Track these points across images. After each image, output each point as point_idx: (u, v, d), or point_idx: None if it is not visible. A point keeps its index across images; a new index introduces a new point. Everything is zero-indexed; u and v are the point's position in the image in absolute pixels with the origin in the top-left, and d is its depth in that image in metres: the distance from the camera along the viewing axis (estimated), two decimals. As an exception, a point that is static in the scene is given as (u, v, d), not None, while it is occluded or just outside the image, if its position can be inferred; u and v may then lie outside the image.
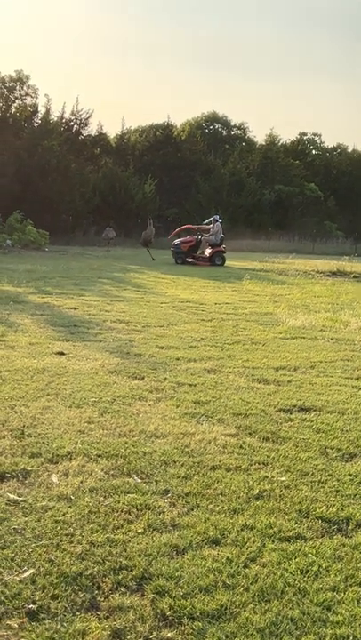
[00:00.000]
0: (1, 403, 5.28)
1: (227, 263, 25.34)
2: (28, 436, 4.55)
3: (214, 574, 2.93)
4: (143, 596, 2.77)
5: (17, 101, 43.45)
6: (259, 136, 75.50)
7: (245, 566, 3.03)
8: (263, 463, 4.31)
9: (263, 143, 59.51)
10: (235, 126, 66.73)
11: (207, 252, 25.48)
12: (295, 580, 2.94)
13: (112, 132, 51.57)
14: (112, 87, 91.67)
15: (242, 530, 3.35)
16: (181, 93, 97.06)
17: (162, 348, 7.84)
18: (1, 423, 4.77)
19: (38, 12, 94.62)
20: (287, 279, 19.48)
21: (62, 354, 7.22)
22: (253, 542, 3.23)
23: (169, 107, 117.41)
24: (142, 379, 6.33)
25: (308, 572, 3.01)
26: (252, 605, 2.74)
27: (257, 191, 50.13)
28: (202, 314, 11.04)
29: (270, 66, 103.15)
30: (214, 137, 61.92)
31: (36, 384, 5.91)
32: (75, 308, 10.89)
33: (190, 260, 25.25)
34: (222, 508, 3.59)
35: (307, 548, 3.21)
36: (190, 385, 6.18)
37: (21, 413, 5.03)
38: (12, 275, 16.11)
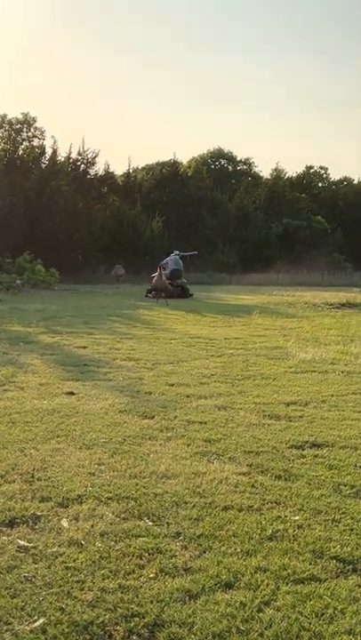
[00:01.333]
0: (11, 445, 5.26)
1: (237, 297, 25.53)
2: (37, 479, 4.51)
3: (228, 619, 2.88)
4: (156, 643, 2.72)
5: (24, 143, 44.18)
6: (265, 170, 75.90)
7: (259, 610, 2.97)
8: (276, 502, 4.25)
9: (269, 177, 60.00)
10: (240, 161, 67.33)
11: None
12: (310, 623, 2.88)
13: (119, 170, 52.15)
14: (117, 126, 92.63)
15: (255, 572, 3.29)
16: (186, 130, 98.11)
17: (172, 385, 7.82)
18: (11, 467, 4.75)
19: (41, 54, 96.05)
20: (297, 312, 19.44)
21: (72, 394, 7.20)
22: (267, 585, 3.17)
23: (174, 144, 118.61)
24: (152, 417, 6.30)
25: (323, 614, 2.95)
26: (267, 651, 2.68)
27: (264, 225, 50.43)
28: (212, 349, 11.02)
29: (274, 100, 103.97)
30: (220, 172, 62.43)
31: (45, 425, 5.89)
32: (84, 347, 10.89)
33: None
34: (235, 549, 3.54)
35: (322, 590, 3.15)
36: (201, 423, 6.14)
37: (31, 456, 5.00)
38: (21, 315, 16.18)
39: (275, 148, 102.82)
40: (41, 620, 2.83)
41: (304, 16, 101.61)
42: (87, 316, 16.65)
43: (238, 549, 3.54)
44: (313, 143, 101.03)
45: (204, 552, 3.50)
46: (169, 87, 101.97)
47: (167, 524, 3.85)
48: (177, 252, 28.17)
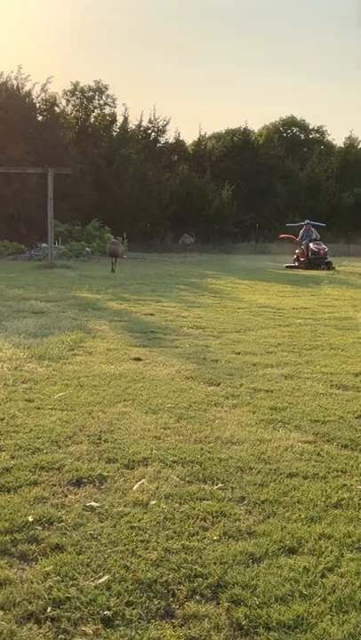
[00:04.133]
0: (79, 408, 5.35)
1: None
2: (104, 441, 4.59)
3: (291, 584, 2.88)
4: (218, 604, 2.74)
5: (96, 111, 44.25)
6: (338, 139, 74.13)
7: (323, 576, 2.96)
8: (342, 471, 4.22)
9: (342, 146, 58.68)
10: (313, 130, 65.96)
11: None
12: (375, 591, 2.86)
13: (189, 139, 51.70)
14: (189, 94, 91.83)
15: (319, 539, 3.29)
16: (258, 98, 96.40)
17: (238, 353, 7.80)
18: (78, 428, 4.83)
19: (111, 22, 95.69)
20: (367, 283, 19.09)
21: (139, 360, 7.27)
22: (331, 552, 3.16)
23: (246, 112, 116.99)
24: (218, 385, 6.31)
25: (388, 583, 2.92)
26: (329, 616, 2.68)
27: (335, 194, 49.45)
28: (279, 319, 10.93)
29: (349, 68, 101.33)
30: (292, 141, 61.25)
31: (113, 390, 5.97)
32: (152, 315, 10.96)
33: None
34: (299, 516, 3.53)
35: (387, 559, 3.12)
36: (267, 391, 6.12)
37: (98, 419, 5.08)
38: (90, 282, 16.36)
39: (349, 117, 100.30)
40: (106, 577, 2.89)
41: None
42: (155, 284, 16.73)
43: (303, 516, 3.53)
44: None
45: (268, 517, 3.51)
46: (243, 54, 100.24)
47: (232, 488, 3.87)
48: (308, 221, 29.39)
